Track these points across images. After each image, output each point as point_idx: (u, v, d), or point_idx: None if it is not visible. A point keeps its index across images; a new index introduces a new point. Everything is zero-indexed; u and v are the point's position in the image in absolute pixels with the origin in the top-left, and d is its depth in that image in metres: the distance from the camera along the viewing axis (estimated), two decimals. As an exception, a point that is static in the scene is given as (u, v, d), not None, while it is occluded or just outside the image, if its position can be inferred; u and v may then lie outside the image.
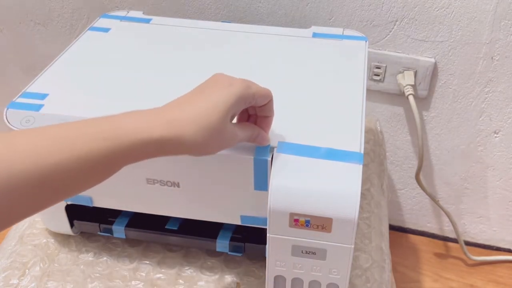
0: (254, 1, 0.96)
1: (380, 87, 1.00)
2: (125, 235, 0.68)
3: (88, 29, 0.79)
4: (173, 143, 0.44)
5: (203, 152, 0.47)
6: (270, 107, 0.53)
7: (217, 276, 0.67)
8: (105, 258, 0.69)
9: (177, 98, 0.47)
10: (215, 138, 0.46)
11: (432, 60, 0.94)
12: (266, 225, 0.55)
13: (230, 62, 0.72)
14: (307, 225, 0.53)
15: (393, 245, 0.81)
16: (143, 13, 0.84)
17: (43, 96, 0.64)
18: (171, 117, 0.44)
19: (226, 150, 0.56)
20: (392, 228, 1.21)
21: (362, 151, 0.55)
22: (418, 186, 1.06)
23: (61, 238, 0.72)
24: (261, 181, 0.56)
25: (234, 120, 0.52)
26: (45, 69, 0.69)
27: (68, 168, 0.40)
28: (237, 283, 0.67)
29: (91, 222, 0.68)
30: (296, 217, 0.53)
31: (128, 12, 0.85)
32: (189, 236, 0.67)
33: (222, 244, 0.66)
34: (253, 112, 0.54)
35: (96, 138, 0.41)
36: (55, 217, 0.68)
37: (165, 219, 0.68)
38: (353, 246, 0.54)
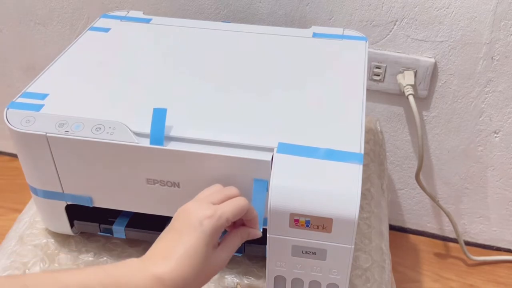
0: (254, 1, 0.96)
1: (380, 87, 1.00)
2: (125, 235, 0.68)
3: (88, 29, 0.79)
4: None
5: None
6: (250, 212, 0.53)
7: (217, 276, 0.67)
8: (105, 258, 0.69)
9: (156, 244, 0.50)
10: (204, 277, 0.50)
11: (432, 60, 0.94)
12: (266, 225, 0.55)
13: (230, 62, 0.72)
14: (307, 225, 0.53)
15: (393, 245, 0.81)
16: (143, 13, 0.84)
17: (43, 96, 0.64)
18: (161, 275, 0.46)
19: (226, 151, 0.56)
20: (392, 228, 1.21)
21: (362, 151, 0.55)
22: (418, 186, 1.06)
23: (61, 238, 0.72)
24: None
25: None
26: (45, 69, 0.69)
27: None
28: (237, 283, 0.67)
29: (91, 222, 0.68)
30: (296, 217, 0.53)
31: (128, 12, 0.85)
32: (189, 236, 0.67)
33: (222, 244, 0.66)
34: None
35: None
36: (55, 217, 0.68)
37: (165, 219, 0.67)
38: (353, 246, 0.54)
